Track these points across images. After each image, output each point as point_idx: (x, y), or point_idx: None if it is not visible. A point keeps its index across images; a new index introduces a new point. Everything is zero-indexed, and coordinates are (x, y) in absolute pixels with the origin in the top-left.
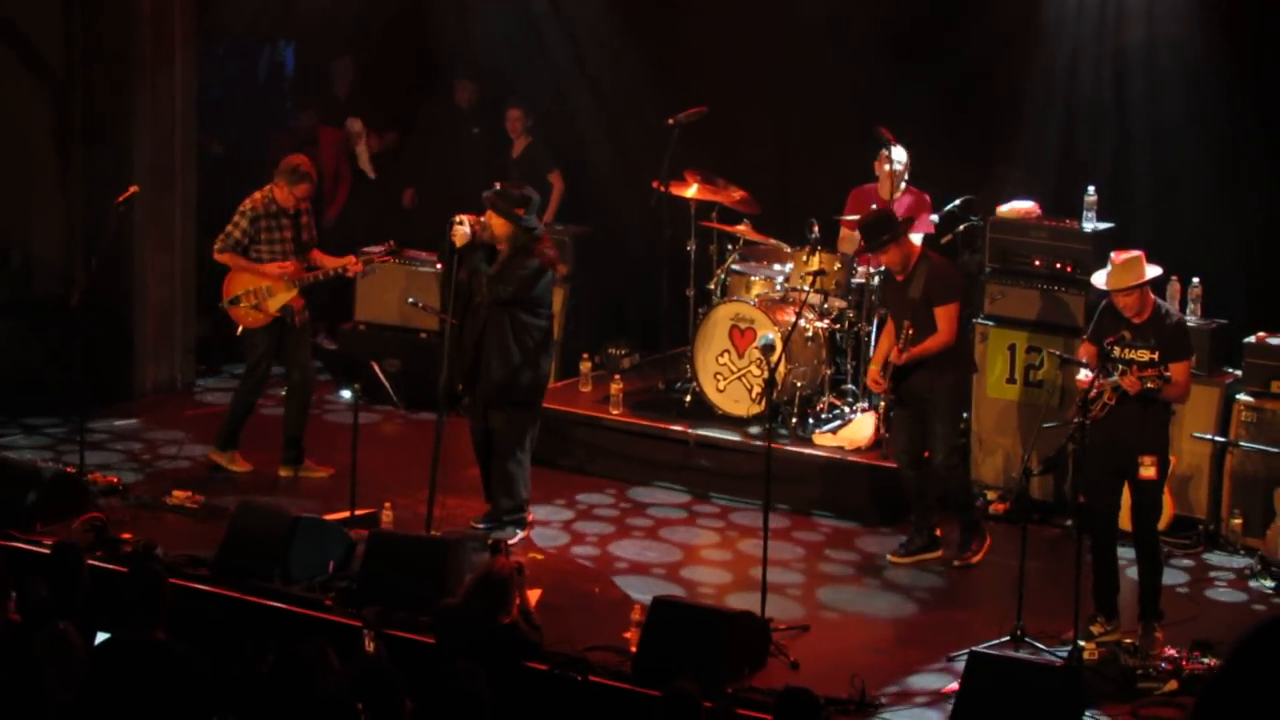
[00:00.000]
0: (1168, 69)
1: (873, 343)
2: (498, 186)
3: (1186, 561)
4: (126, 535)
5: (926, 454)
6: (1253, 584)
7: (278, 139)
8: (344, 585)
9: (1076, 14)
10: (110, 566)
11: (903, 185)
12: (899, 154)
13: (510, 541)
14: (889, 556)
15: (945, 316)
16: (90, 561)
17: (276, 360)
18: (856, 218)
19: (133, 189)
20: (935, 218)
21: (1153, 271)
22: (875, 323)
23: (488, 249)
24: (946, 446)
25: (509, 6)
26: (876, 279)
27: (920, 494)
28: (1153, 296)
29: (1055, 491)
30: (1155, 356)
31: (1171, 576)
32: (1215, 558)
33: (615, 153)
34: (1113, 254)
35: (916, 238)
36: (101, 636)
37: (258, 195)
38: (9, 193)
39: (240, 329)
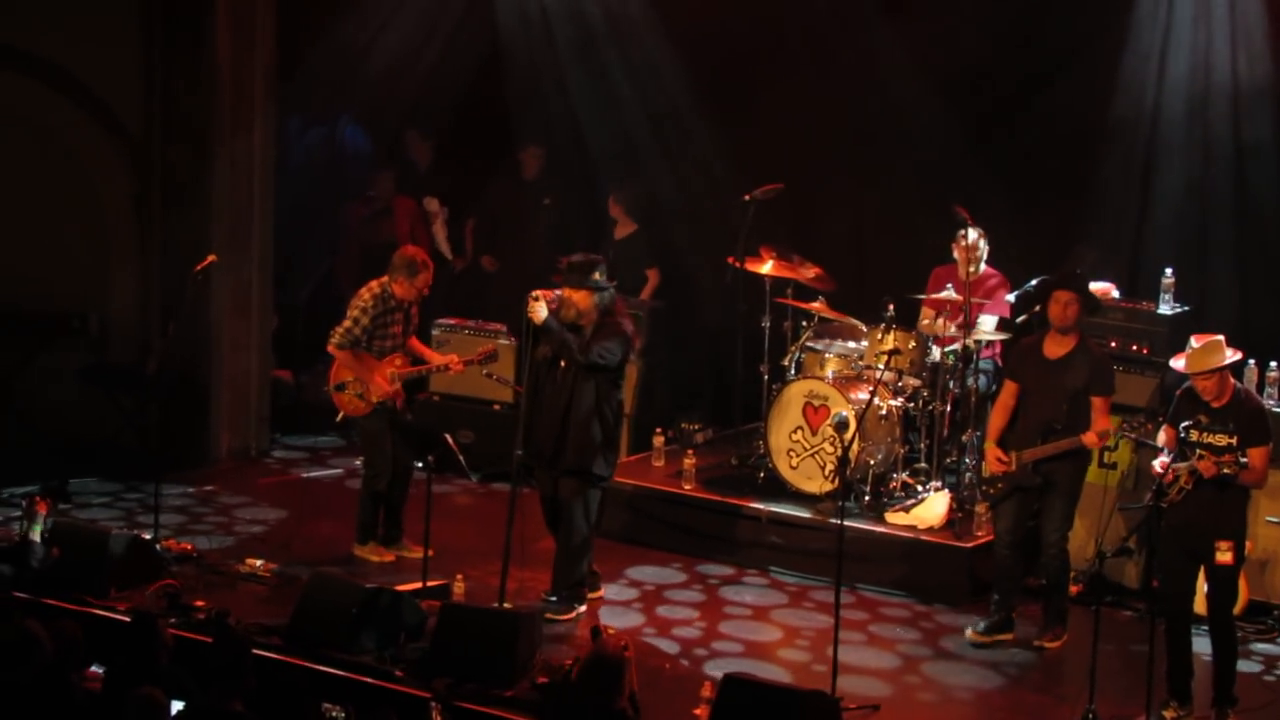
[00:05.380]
0: (1246, 152)
1: (945, 420)
2: (565, 262)
3: (1262, 647)
4: (200, 602)
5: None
6: None
7: (353, 208)
8: (415, 656)
9: (1158, 96)
10: (184, 634)
11: (982, 265)
12: (975, 235)
13: (568, 617)
14: (969, 633)
15: (1104, 409)
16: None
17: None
18: (938, 296)
19: (211, 258)
20: (1011, 297)
21: (1233, 356)
22: (950, 403)
23: (572, 325)
24: (1064, 527)
25: (585, 81)
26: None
27: (1011, 575)
28: (1233, 380)
29: (1130, 574)
30: (1233, 441)
31: (1246, 662)
32: None
33: (691, 229)
34: (1193, 337)
35: (991, 319)
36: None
37: (375, 287)
38: (88, 258)
39: (341, 415)
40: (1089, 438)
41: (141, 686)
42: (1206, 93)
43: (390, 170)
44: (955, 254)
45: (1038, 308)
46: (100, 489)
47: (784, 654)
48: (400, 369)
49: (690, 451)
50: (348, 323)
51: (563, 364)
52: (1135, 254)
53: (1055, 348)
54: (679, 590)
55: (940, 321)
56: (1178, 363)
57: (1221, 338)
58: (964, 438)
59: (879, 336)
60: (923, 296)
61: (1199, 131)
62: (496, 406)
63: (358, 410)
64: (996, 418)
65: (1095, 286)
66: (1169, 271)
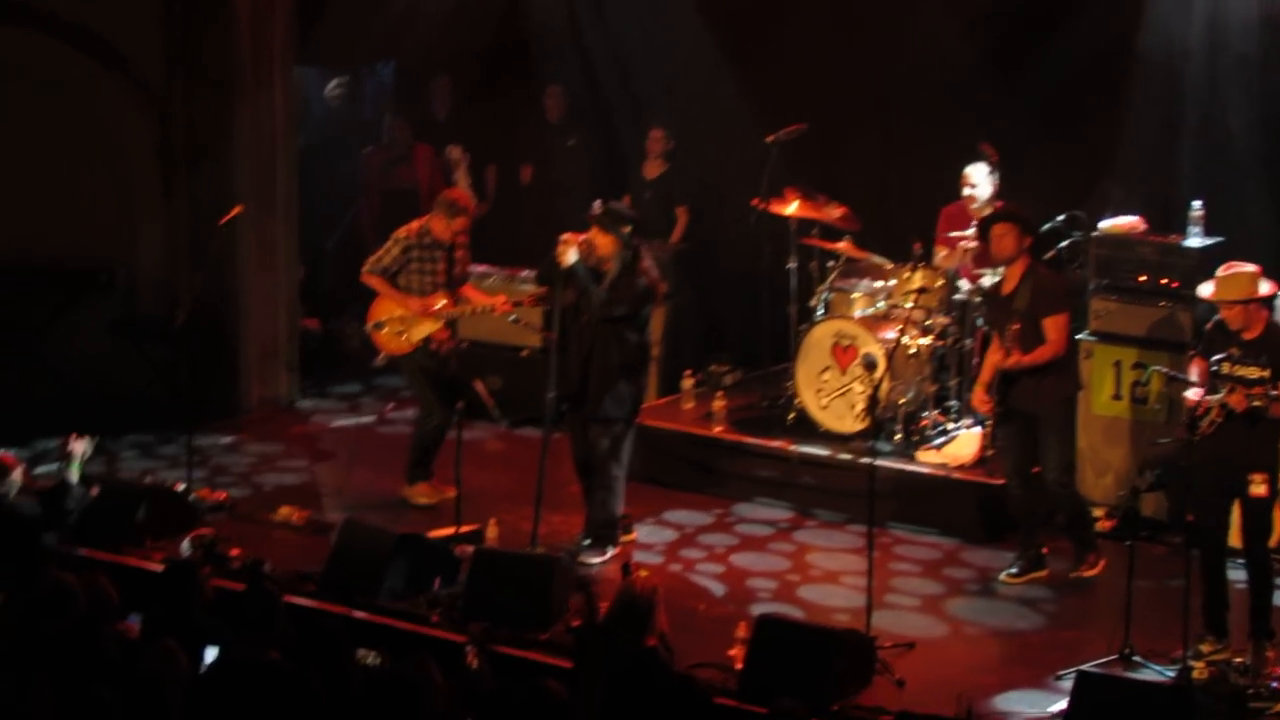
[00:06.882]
0: (1276, 81)
1: (976, 362)
2: (599, 205)
3: None
4: (235, 551)
5: (1036, 470)
6: None
7: (372, 156)
8: (449, 601)
9: (1184, 26)
10: (219, 583)
11: (987, 201)
12: (980, 171)
13: (601, 558)
14: (1003, 577)
15: (1054, 327)
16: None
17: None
18: (955, 234)
19: (237, 209)
20: None
21: (1267, 288)
22: (981, 342)
23: (592, 270)
24: (1060, 462)
25: (606, 20)
26: (980, 298)
27: (1029, 513)
28: (1265, 312)
29: (1163, 509)
30: (1265, 374)
31: None
32: None
33: (716, 170)
34: (1222, 266)
35: None
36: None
37: (414, 225)
38: (113, 212)
39: (382, 355)
40: (998, 355)
41: (163, 638)
42: (1238, 21)
43: (404, 117)
44: (964, 192)
45: (1065, 242)
46: (133, 440)
47: (817, 593)
48: (445, 309)
49: (719, 393)
50: (380, 251)
51: (584, 315)
52: (1166, 187)
53: (1008, 283)
54: (710, 532)
55: (965, 254)
56: (1205, 289)
57: (1256, 269)
58: None
59: (906, 275)
60: (953, 235)
61: (1229, 61)
62: (524, 352)
63: (399, 348)
64: (986, 362)
65: (1124, 221)
66: (1197, 204)
